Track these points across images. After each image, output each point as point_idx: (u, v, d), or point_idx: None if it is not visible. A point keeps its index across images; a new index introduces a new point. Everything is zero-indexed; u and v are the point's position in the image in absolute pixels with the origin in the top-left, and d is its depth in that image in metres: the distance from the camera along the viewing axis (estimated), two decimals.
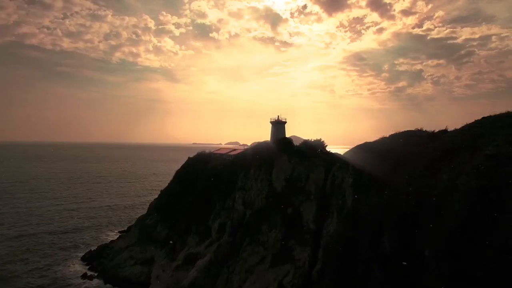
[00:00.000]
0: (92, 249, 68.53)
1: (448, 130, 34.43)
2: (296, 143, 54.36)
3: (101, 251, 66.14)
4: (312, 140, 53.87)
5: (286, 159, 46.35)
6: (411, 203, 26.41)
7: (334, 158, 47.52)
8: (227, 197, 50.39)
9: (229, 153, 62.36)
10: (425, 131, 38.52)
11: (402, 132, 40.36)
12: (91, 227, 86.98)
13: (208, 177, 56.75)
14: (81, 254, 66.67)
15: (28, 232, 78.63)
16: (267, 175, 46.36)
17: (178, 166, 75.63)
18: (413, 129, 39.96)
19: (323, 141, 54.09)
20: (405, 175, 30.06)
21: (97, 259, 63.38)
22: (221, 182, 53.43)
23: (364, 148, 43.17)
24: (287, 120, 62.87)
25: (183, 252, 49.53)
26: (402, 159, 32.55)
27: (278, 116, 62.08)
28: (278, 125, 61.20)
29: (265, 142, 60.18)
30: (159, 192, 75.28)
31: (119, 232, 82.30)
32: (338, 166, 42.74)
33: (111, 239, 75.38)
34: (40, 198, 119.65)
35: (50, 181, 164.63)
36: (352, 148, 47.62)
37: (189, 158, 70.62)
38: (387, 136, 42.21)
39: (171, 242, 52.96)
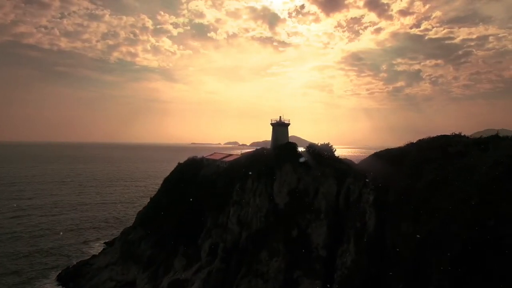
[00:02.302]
0: (71, 266, 60.95)
1: (500, 135, 26.74)
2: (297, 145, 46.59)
3: (80, 268, 58.54)
4: (319, 143, 46.22)
5: (291, 169, 38.59)
6: (471, 239, 18.83)
7: (347, 167, 39.87)
8: (220, 213, 42.71)
9: (224, 159, 54.28)
10: (465, 136, 30.79)
11: (434, 138, 32.51)
12: (74, 237, 79.26)
13: (199, 188, 48.97)
14: (58, 272, 59.02)
15: (2, 244, 70.98)
16: (267, 188, 38.64)
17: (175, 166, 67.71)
18: (448, 133, 32.08)
19: (331, 145, 46.53)
20: (451, 197, 22.48)
21: (74, 279, 55.75)
22: (213, 194, 45.71)
23: (384, 157, 35.42)
24: (290, 122, 54.34)
25: (167, 278, 41.87)
26: (444, 175, 24.86)
27: (280, 117, 53.50)
28: (280, 128, 52.81)
29: (265, 147, 52.03)
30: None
31: (104, 243, 74.71)
32: (354, 178, 35.08)
33: (94, 253, 67.76)
34: (25, 203, 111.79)
35: (42, 184, 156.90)
36: (369, 156, 39.89)
37: (179, 163, 62.73)
38: (414, 142, 34.41)
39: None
